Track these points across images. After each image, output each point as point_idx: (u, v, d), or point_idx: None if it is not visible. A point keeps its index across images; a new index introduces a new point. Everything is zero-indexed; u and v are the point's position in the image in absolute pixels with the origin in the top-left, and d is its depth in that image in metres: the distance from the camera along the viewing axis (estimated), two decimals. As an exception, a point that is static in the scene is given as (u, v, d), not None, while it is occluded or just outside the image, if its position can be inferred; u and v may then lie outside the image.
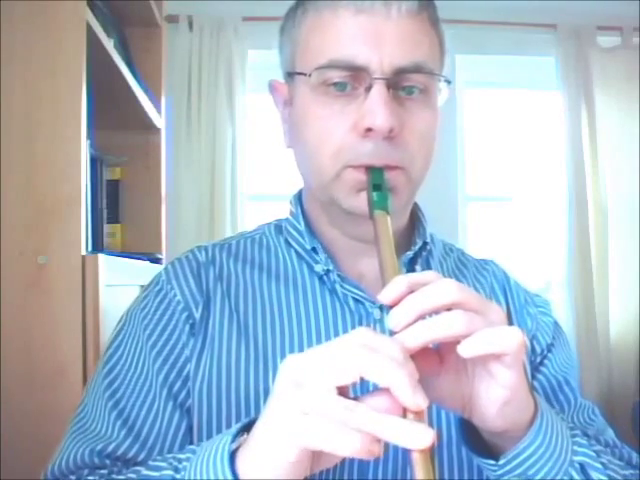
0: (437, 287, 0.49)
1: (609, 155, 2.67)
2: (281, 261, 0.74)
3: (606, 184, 2.66)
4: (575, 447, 0.58)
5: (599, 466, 0.58)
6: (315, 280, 0.71)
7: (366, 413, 0.44)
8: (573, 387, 0.73)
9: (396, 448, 0.63)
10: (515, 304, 0.76)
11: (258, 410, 0.63)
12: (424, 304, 0.48)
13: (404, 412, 0.45)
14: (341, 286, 0.69)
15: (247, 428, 0.51)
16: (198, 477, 0.51)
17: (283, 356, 0.66)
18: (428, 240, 0.74)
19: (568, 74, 2.67)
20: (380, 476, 0.63)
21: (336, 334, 0.68)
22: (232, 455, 0.50)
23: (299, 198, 0.77)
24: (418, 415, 0.44)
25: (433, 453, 0.44)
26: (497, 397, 0.51)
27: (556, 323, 0.77)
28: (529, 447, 0.54)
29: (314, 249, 0.71)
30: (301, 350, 0.67)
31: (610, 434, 0.72)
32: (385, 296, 0.50)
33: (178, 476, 0.54)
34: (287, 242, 0.75)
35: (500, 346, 0.47)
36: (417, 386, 0.45)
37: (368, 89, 0.63)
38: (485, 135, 2.90)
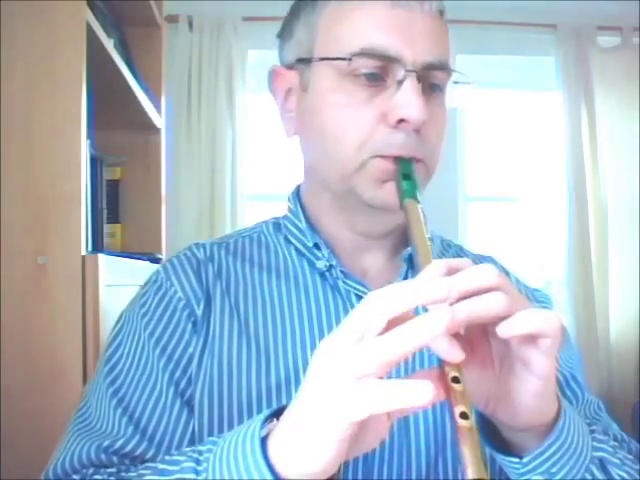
0: (478, 270, 0.48)
1: (609, 155, 2.67)
2: (281, 258, 0.73)
3: (606, 184, 2.66)
4: (594, 443, 0.58)
5: (617, 462, 0.59)
6: (316, 277, 0.70)
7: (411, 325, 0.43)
8: (580, 382, 0.73)
9: (401, 448, 0.63)
10: None
11: (260, 409, 0.63)
12: (466, 285, 0.47)
13: (447, 393, 0.45)
14: (344, 282, 0.68)
15: (274, 416, 0.49)
16: (225, 467, 0.49)
17: (285, 354, 0.66)
18: (430, 236, 0.73)
19: (568, 74, 2.66)
20: (385, 476, 0.63)
21: None
22: (262, 442, 0.47)
23: (297, 195, 0.76)
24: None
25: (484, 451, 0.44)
26: (531, 388, 0.50)
27: None
28: (554, 444, 0.53)
29: (316, 245, 0.70)
30: (303, 348, 0.66)
31: (615, 428, 0.72)
32: (424, 278, 0.48)
33: (200, 467, 0.51)
34: (286, 239, 0.74)
35: (541, 326, 0.46)
36: (453, 340, 0.45)
37: (400, 81, 0.63)
38: (485, 135, 2.89)
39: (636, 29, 2.67)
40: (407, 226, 0.59)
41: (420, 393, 0.41)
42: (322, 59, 0.67)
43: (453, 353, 0.45)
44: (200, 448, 0.54)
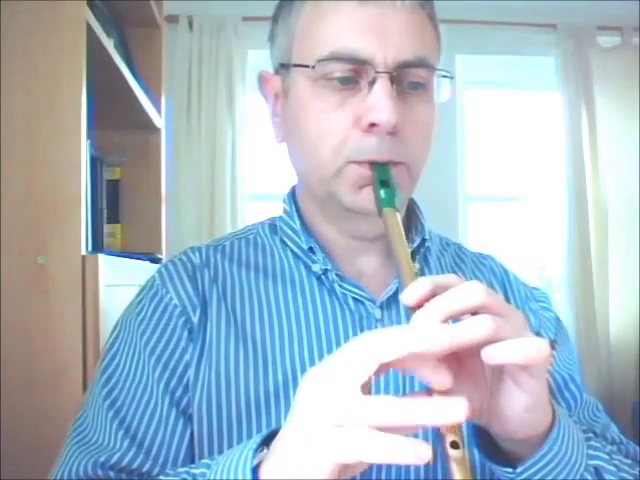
0: (464, 289, 0.47)
1: (609, 155, 2.66)
2: (277, 261, 0.72)
3: (606, 184, 2.66)
4: (590, 451, 0.57)
5: (613, 469, 0.58)
6: (313, 280, 0.69)
7: (400, 402, 0.42)
8: (578, 384, 0.72)
9: None
10: (516, 300, 0.75)
11: (259, 415, 0.63)
12: (451, 306, 0.46)
13: None
14: (340, 286, 0.67)
15: (265, 441, 0.49)
16: None
17: (283, 360, 0.65)
18: (427, 237, 0.72)
19: (568, 74, 2.67)
20: (384, 476, 0.62)
21: (336, 334, 0.66)
22: (254, 472, 0.47)
23: (293, 196, 0.75)
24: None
25: (468, 454, 0.43)
26: (520, 403, 0.49)
27: (557, 318, 0.76)
28: (547, 454, 0.53)
29: (311, 249, 0.69)
30: (301, 353, 0.65)
31: (614, 430, 0.71)
32: (408, 297, 0.47)
33: None
34: (283, 242, 0.73)
35: (527, 357, 0.45)
36: (440, 365, 0.43)
37: (371, 83, 0.61)
38: (485, 135, 2.89)
39: (636, 29, 2.68)
40: (386, 235, 0.58)
41: (414, 455, 0.40)
42: (295, 65, 0.66)
43: (440, 379, 0.44)
44: (194, 471, 0.54)
